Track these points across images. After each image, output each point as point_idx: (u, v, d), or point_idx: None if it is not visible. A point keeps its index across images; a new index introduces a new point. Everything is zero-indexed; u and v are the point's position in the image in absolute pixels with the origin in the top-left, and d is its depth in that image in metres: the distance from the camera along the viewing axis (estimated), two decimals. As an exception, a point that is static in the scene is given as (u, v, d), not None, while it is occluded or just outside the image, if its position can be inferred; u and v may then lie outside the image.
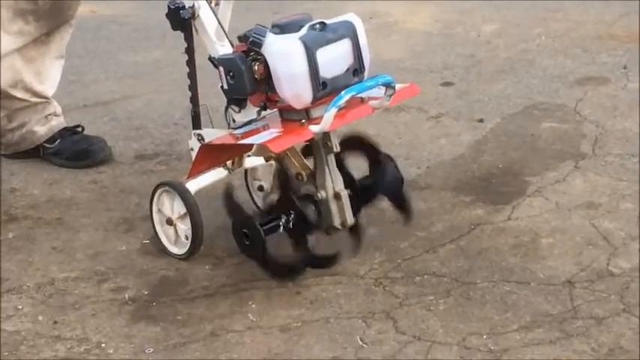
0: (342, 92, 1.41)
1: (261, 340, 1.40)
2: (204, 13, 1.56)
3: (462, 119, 2.29)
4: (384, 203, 1.69)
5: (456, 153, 2.10)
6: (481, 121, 2.25)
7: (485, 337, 1.37)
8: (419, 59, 2.76)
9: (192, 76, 1.64)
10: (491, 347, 1.34)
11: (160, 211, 1.67)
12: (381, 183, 1.61)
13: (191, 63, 1.63)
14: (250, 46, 1.45)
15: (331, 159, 1.53)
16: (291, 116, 1.50)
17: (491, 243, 1.68)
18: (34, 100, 2.12)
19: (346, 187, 1.55)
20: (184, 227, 1.62)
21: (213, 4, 1.61)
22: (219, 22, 1.58)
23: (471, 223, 1.76)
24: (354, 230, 1.58)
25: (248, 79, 1.44)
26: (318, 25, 1.46)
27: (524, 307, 1.45)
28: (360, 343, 1.38)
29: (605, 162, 2.00)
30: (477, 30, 2.97)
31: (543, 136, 2.16)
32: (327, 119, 1.40)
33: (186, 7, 1.54)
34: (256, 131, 1.50)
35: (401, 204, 1.64)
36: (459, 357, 1.32)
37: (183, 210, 1.61)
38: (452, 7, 3.20)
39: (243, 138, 1.49)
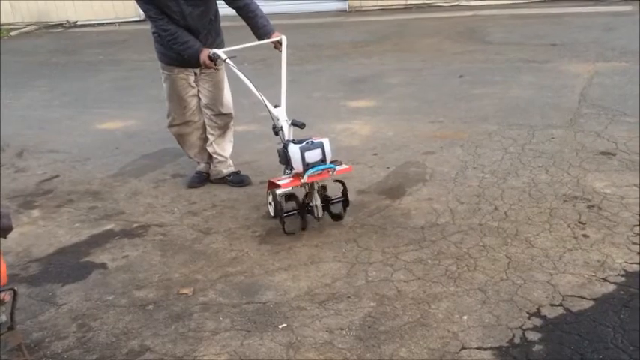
0: (310, 170, 3.78)
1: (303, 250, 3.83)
2: (284, 129, 3.98)
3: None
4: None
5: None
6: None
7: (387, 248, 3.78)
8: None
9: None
10: (387, 250, 3.74)
11: (268, 199, 4.18)
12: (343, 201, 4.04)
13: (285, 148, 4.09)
14: (285, 146, 3.87)
15: (316, 192, 3.92)
16: (297, 175, 3.88)
17: (391, 212, 4.13)
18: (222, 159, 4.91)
19: (322, 202, 3.95)
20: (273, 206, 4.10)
21: (287, 124, 4.03)
22: (287, 133, 4.00)
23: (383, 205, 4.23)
24: (329, 216, 4.03)
25: (285, 159, 3.89)
26: (309, 142, 3.84)
27: (400, 236, 3.85)
28: (344, 250, 3.78)
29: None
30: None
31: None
32: (305, 179, 3.80)
33: (277, 127, 3.97)
34: (285, 179, 3.92)
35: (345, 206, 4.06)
36: (381, 256, 3.69)
37: (270, 198, 4.12)
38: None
39: (278, 180, 3.91)
